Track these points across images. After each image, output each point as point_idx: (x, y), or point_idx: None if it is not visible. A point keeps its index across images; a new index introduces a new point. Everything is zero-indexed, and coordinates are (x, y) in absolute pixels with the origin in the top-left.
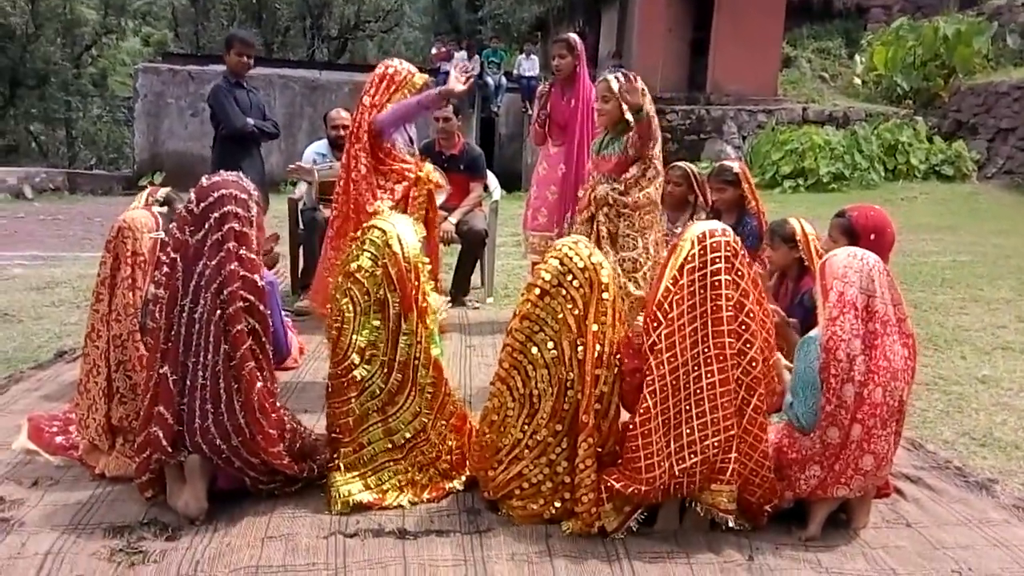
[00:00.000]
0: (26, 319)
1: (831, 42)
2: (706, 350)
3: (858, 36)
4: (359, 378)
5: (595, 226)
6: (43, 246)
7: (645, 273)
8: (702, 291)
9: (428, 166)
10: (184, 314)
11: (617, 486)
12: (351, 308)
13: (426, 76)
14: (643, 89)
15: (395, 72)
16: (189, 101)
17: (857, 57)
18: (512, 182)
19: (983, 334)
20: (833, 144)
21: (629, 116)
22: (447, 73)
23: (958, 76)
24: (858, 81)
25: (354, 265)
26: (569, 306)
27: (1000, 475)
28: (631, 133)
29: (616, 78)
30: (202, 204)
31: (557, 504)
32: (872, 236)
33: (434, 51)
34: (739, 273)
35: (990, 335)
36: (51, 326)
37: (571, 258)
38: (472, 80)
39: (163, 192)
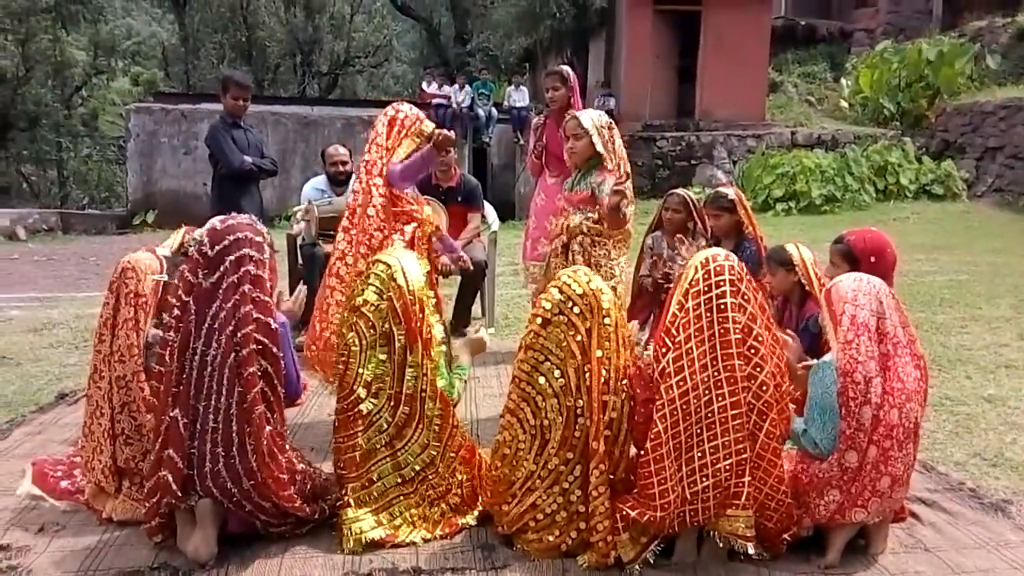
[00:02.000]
0: (24, 362)
1: (816, 66)
2: (715, 374)
3: (842, 60)
4: (365, 412)
5: (570, 256)
6: (38, 287)
7: (620, 297)
8: (708, 315)
9: (427, 209)
10: (196, 357)
11: (632, 514)
12: (357, 342)
13: (432, 125)
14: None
15: (405, 117)
16: (182, 139)
17: (843, 80)
18: (506, 211)
19: (986, 353)
20: (823, 167)
21: (600, 149)
22: (440, 106)
23: (943, 97)
24: (845, 104)
25: (359, 299)
26: (572, 333)
27: (1014, 495)
28: (599, 173)
29: (593, 122)
30: (216, 247)
31: (573, 535)
32: (872, 259)
33: (424, 85)
34: (745, 297)
35: (993, 354)
36: (50, 368)
37: (570, 285)
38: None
39: (199, 233)
